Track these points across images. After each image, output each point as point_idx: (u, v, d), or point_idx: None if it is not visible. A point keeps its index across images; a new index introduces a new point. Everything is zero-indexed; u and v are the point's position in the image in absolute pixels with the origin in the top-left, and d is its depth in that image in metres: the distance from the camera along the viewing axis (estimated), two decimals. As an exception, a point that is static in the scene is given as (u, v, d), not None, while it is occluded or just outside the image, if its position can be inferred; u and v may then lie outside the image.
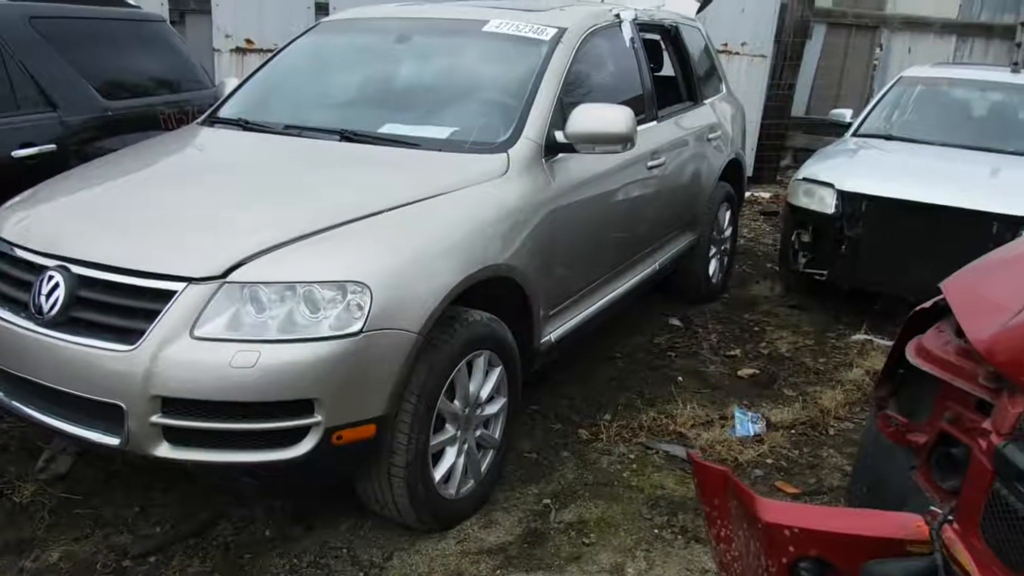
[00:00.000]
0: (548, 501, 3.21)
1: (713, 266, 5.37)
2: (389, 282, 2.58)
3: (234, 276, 2.52)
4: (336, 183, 3.07)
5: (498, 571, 2.81)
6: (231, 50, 7.62)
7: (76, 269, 2.62)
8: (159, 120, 4.80)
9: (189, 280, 2.50)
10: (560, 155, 3.41)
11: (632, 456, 3.56)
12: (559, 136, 3.36)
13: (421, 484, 2.79)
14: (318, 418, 2.49)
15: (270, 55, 4.27)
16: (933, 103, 6.00)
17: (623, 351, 4.64)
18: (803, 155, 9.05)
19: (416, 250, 2.73)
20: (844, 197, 4.92)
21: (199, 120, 3.93)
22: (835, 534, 1.76)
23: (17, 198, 3.18)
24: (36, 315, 2.61)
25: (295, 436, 2.51)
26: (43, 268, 2.68)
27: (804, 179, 5.15)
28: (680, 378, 4.36)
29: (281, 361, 2.43)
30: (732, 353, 4.70)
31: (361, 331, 2.50)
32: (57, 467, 3.28)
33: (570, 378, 4.23)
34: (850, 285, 5.06)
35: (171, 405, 2.47)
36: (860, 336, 4.96)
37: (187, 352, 2.44)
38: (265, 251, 2.58)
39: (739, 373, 4.45)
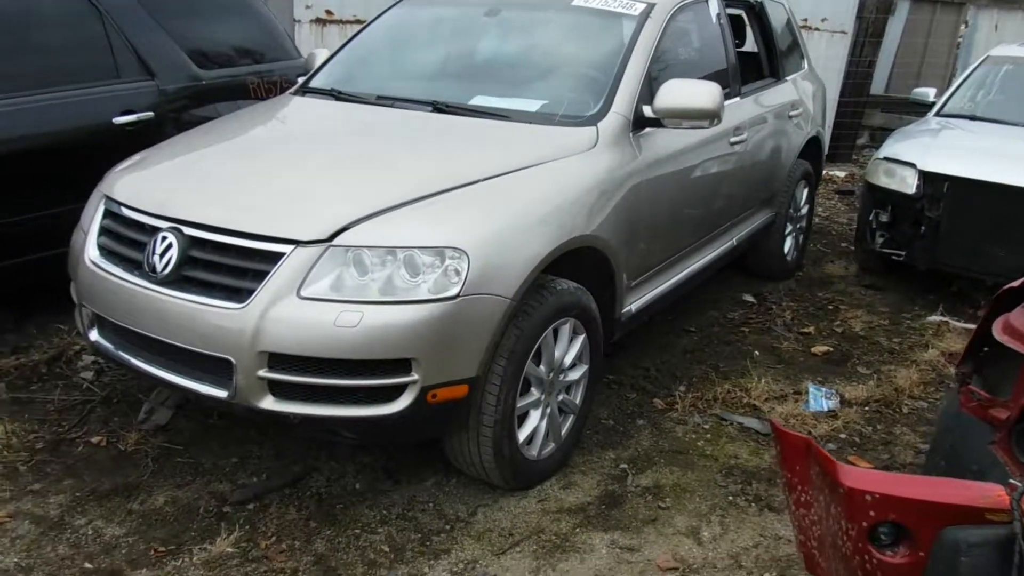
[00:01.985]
0: (625, 466, 3.30)
1: (789, 244, 5.36)
2: (486, 249, 2.68)
3: (339, 240, 2.64)
4: (432, 153, 3.18)
5: (577, 529, 2.92)
6: (311, 21, 7.75)
7: (189, 231, 2.78)
8: (249, 89, 4.96)
9: (297, 243, 2.63)
10: (646, 129, 3.47)
11: (707, 426, 3.63)
12: (647, 111, 3.41)
13: (506, 444, 2.90)
14: (415, 377, 2.61)
15: (360, 27, 4.38)
16: (1021, 83, 5.86)
17: (698, 325, 4.69)
18: (880, 134, 8.94)
19: (511, 219, 2.83)
20: (926, 177, 4.87)
21: (292, 90, 4.06)
22: (916, 500, 1.81)
23: (127, 162, 3.36)
24: (150, 273, 2.77)
25: (393, 393, 2.63)
26: (156, 229, 2.84)
27: (885, 158, 5.11)
28: (757, 352, 4.39)
29: (382, 322, 2.55)
30: (806, 330, 4.72)
31: (458, 295, 2.60)
32: (157, 418, 3.48)
33: (646, 350, 4.30)
34: (928, 266, 5.02)
35: (277, 360, 2.61)
36: (936, 317, 4.92)
37: (294, 311, 2.58)
38: (368, 217, 2.70)
39: (813, 350, 4.46)
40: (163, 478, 3.12)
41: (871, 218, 5.21)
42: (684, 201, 3.85)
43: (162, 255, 2.77)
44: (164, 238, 2.79)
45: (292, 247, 2.63)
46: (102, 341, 3.03)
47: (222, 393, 2.69)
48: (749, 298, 5.14)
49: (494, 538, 2.86)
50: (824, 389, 3.95)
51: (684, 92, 3.35)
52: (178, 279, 2.74)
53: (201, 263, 2.75)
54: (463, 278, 2.62)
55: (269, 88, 5.04)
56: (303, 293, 2.59)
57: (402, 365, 2.60)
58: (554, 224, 2.94)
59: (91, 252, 3.03)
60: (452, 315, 2.60)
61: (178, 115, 4.51)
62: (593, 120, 3.31)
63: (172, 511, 2.94)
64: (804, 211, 5.55)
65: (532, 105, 3.43)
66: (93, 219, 3.12)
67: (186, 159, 3.30)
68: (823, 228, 6.82)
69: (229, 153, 3.35)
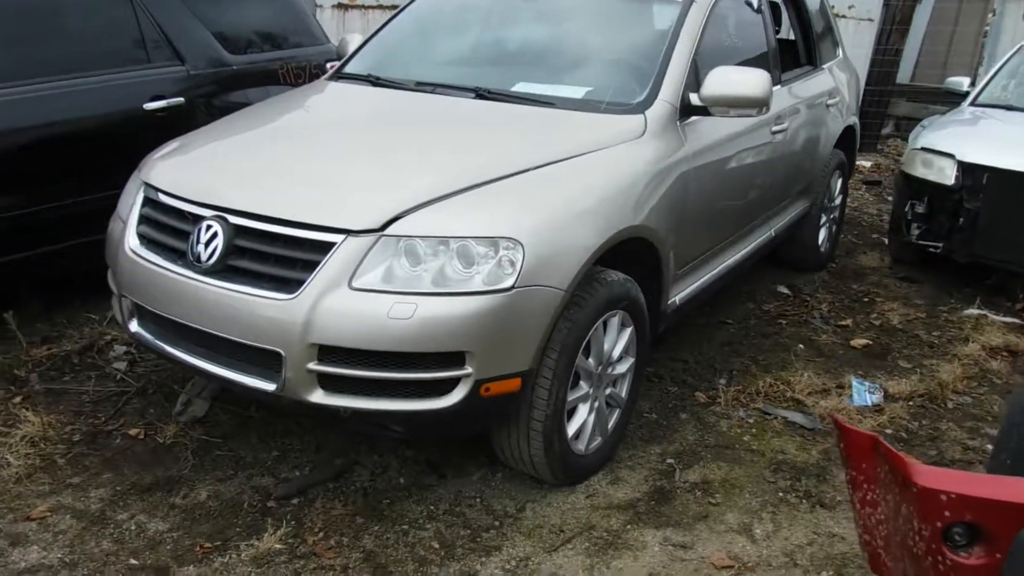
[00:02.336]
0: (672, 461, 3.24)
1: (823, 234, 5.28)
2: (540, 239, 2.62)
3: (391, 230, 2.58)
4: (479, 140, 3.11)
5: (628, 526, 2.86)
6: (333, 6, 7.67)
7: (235, 220, 2.71)
8: (278, 75, 4.90)
9: (348, 232, 2.56)
10: (692, 117, 3.39)
11: (751, 421, 3.57)
12: (693, 98, 3.34)
13: (556, 438, 2.84)
14: (469, 370, 2.55)
15: (382, 12, 4.31)
16: (1056, 72, 5.77)
17: (734, 317, 4.62)
18: (906, 124, 8.84)
19: (564, 209, 2.76)
20: (965, 168, 4.79)
21: (327, 76, 3.99)
22: (993, 500, 1.75)
23: (165, 148, 3.29)
24: (194, 263, 2.71)
25: (446, 387, 2.58)
26: (200, 218, 2.78)
27: (922, 148, 5.02)
28: (801, 346, 4.32)
29: (436, 314, 2.49)
30: (843, 323, 4.65)
31: (513, 287, 2.54)
32: (195, 410, 3.42)
33: (684, 343, 4.24)
34: (967, 259, 4.93)
35: (327, 353, 2.55)
36: (974, 311, 4.84)
37: (346, 302, 2.51)
38: (420, 206, 2.64)
39: (852, 343, 4.40)
40: (204, 472, 3.07)
41: (907, 209, 5.13)
42: (727, 191, 3.78)
43: (207, 244, 2.71)
44: (209, 227, 2.72)
45: (343, 237, 2.56)
46: (142, 332, 2.97)
47: (270, 386, 2.64)
48: (784, 290, 5.07)
49: (545, 535, 2.80)
50: (867, 383, 3.89)
51: (732, 80, 3.27)
52: (224, 269, 2.68)
53: (248, 253, 2.69)
54: (518, 269, 2.55)
55: (298, 73, 4.97)
56: (355, 284, 2.53)
57: (456, 358, 2.54)
58: (606, 214, 2.87)
59: (131, 241, 2.97)
60: (507, 307, 2.54)
61: (208, 100, 4.46)
62: (640, 108, 3.24)
63: (216, 506, 2.89)
64: (838, 201, 5.47)
65: (577, 92, 3.36)
66: (132, 207, 3.06)
67: (227, 145, 3.23)
68: (852, 219, 6.73)
69: (271, 139, 3.29)
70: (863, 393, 3.80)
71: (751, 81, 3.26)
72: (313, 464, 3.13)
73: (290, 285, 2.57)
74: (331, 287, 2.52)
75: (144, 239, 2.96)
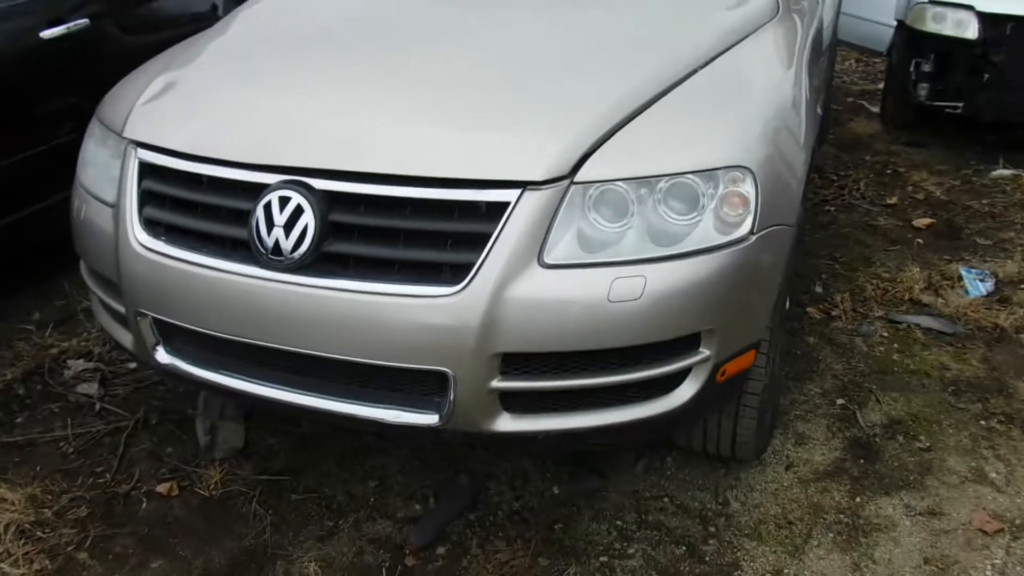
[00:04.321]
0: (842, 401, 2.72)
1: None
2: (768, 164, 1.92)
3: (582, 174, 1.80)
4: (615, 35, 2.30)
5: (857, 499, 2.32)
6: None
7: (324, 184, 1.84)
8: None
9: (525, 186, 1.77)
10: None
11: (885, 335, 3.08)
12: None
13: (770, 411, 2.24)
14: (706, 353, 1.87)
15: None
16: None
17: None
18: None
19: (771, 115, 2.06)
20: (986, 19, 4.38)
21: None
22: None
23: (144, 89, 2.26)
24: (268, 256, 1.84)
25: (674, 381, 1.89)
26: (259, 188, 1.88)
27: (931, 2, 4.57)
28: (867, 236, 3.85)
29: (668, 287, 1.77)
30: (889, 202, 4.22)
31: (752, 232, 1.85)
32: (229, 440, 2.56)
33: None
34: (994, 117, 4.59)
35: (515, 363, 1.79)
36: (1003, 171, 4.54)
37: (541, 287, 1.75)
38: (606, 136, 1.86)
39: (914, 224, 3.98)
40: (292, 530, 2.26)
41: (912, 69, 4.71)
42: (818, 72, 3.17)
43: (287, 227, 1.83)
44: (284, 200, 1.83)
45: (518, 192, 1.76)
46: (180, 364, 2.07)
47: (426, 419, 1.86)
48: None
49: (774, 532, 2.22)
50: (974, 271, 3.48)
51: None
52: (321, 259, 1.83)
53: (356, 232, 1.84)
54: (753, 207, 1.85)
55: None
56: (548, 259, 1.76)
57: (690, 341, 1.85)
58: (802, 118, 2.20)
59: (136, 233, 2.02)
60: (748, 260, 1.86)
61: (122, 17, 3.32)
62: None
63: (335, 579, 2.11)
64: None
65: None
66: (123, 183, 2.09)
67: (263, 74, 2.23)
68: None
69: (329, 60, 2.28)
70: (975, 283, 3.38)
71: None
72: (432, 489, 2.37)
73: (445, 274, 1.77)
74: (514, 268, 1.74)
75: (159, 227, 2.02)
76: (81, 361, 2.97)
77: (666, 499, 2.33)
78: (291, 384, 1.96)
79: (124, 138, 2.13)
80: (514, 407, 1.85)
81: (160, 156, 2.04)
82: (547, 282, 1.75)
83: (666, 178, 1.81)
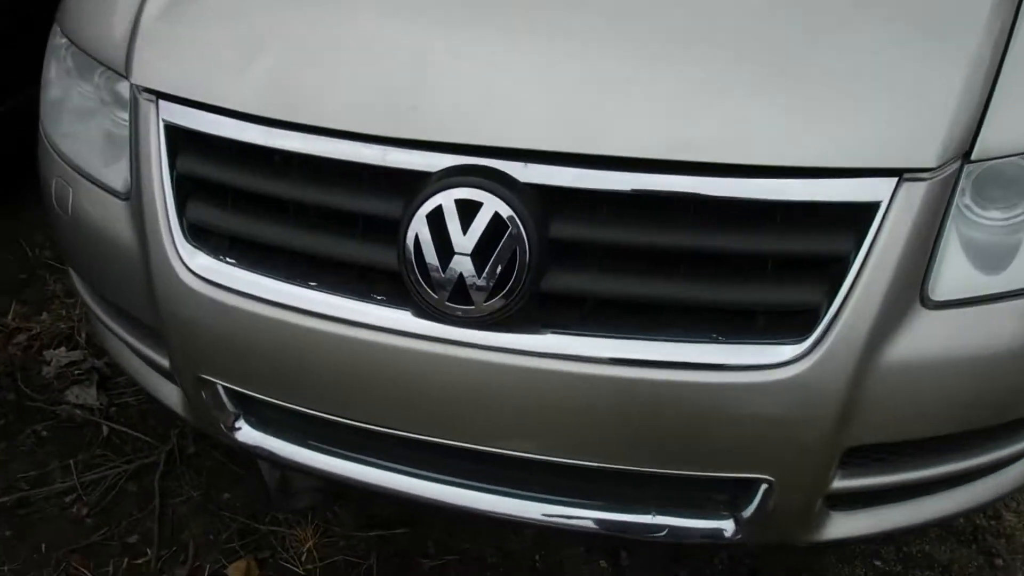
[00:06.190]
0: None
1: None
2: None
3: (979, 152, 1.07)
4: None
5: None
6: None
7: (538, 173, 1.06)
8: None
9: (900, 174, 1.02)
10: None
11: None
12: None
13: None
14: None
15: None
16: None
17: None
18: None
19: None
20: None
21: None
22: None
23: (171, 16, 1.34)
24: (448, 304, 1.07)
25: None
26: (419, 181, 1.08)
27: None
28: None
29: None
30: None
31: None
32: (309, 478, 1.84)
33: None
34: None
35: (858, 453, 1.13)
36: None
37: (927, 339, 1.07)
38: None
39: None
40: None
41: None
42: None
43: (479, 252, 1.05)
44: (467, 204, 1.05)
45: (891, 185, 1.02)
46: (278, 446, 1.34)
47: (712, 525, 1.19)
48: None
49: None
50: None
51: None
52: (534, 306, 1.08)
53: (598, 257, 1.09)
54: None
55: None
56: (934, 293, 1.06)
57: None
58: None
59: (180, 250, 1.22)
60: None
61: None
62: None
63: None
64: None
65: None
66: (140, 160, 1.25)
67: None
68: None
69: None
70: None
71: None
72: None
73: (771, 327, 1.06)
74: (890, 312, 1.04)
75: (217, 240, 1.22)
76: (62, 350, 2.17)
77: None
78: (474, 479, 1.26)
79: (122, 80, 1.28)
80: (840, 504, 1.21)
81: (206, 117, 1.20)
82: (936, 331, 1.06)
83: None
